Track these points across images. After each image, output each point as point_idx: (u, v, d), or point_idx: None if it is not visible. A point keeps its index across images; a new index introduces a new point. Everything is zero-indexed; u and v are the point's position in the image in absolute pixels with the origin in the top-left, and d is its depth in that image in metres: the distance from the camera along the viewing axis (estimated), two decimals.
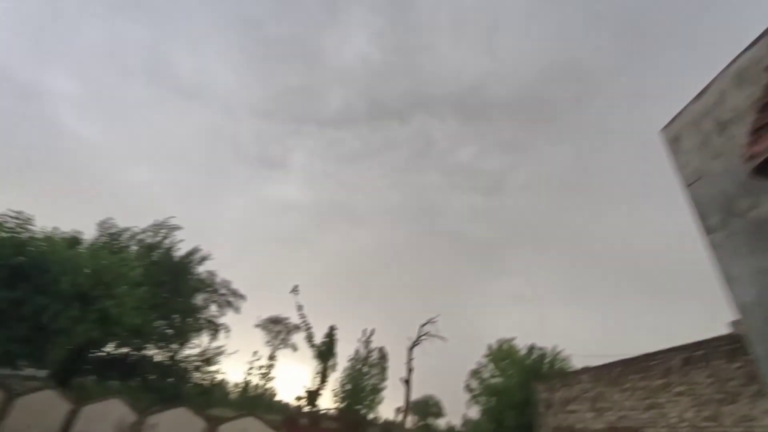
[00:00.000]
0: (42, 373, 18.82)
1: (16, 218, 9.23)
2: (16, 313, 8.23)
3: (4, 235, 8.82)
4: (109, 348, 19.61)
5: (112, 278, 9.64)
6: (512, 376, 21.83)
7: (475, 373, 29.06)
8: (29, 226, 9.34)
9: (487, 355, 29.20)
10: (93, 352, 18.99)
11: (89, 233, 19.35)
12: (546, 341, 30.27)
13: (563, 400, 14.98)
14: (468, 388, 29.53)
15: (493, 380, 25.42)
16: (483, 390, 25.98)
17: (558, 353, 22.04)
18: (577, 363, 19.76)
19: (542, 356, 21.91)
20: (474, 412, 36.11)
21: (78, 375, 19.44)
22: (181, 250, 21.87)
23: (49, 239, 9.41)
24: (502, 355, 26.36)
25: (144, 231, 21.06)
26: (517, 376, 21.21)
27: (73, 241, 14.04)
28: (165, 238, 21.44)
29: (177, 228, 21.99)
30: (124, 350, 19.84)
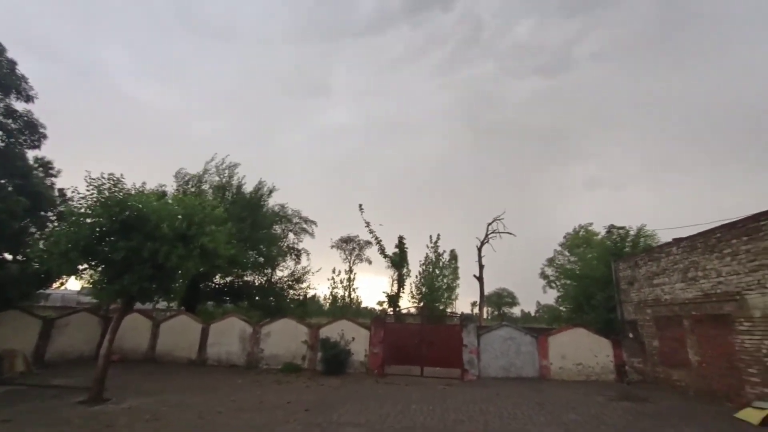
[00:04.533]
0: (173, 304, 22.86)
1: (110, 180, 10.17)
2: (137, 258, 9.53)
3: (106, 195, 9.85)
4: (218, 280, 22.80)
5: (200, 219, 10.60)
6: (591, 260, 21.58)
7: (551, 261, 29.29)
8: (122, 185, 10.29)
9: (563, 243, 28.97)
10: (207, 284, 22.29)
11: (170, 186, 21.34)
12: (628, 222, 28.83)
13: (649, 274, 14.55)
14: (543, 276, 30.12)
15: (571, 265, 25.41)
16: (560, 275, 26.24)
17: (642, 231, 20.85)
18: (664, 239, 18.57)
19: (623, 236, 20.90)
20: (549, 299, 37.37)
21: (200, 303, 23.26)
22: (248, 186, 23.16)
23: (141, 195, 10.37)
24: (579, 241, 25.86)
25: (206, 171, 22.36)
26: (596, 259, 20.87)
27: (161, 194, 15.53)
28: (231, 177, 22.65)
29: (235, 166, 23.05)
30: (230, 279, 22.97)
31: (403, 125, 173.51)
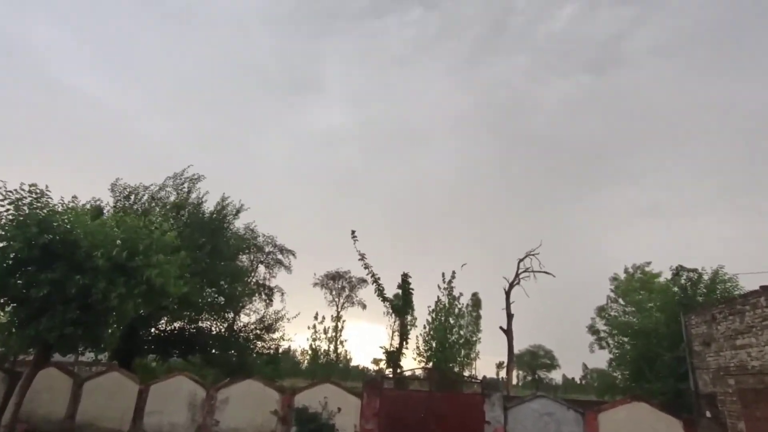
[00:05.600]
0: (102, 356, 22.57)
1: (32, 193, 10.28)
2: (60, 295, 9.53)
3: (24, 213, 9.94)
4: (164, 326, 22.61)
5: (146, 246, 10.67)
6: (653, 310, 21.42)
7: (602, 311, 29.05)
8: (46, 200, 10.40)
9: (614, 287, 28.81)
10: (148, 330, 22.08)
11: (106, 198, 21.49)
12: (696, 261, 28.85)
13: (730, 332, 14.47)
14: (591, 330, 29.77)
15: (627, 317, 25.20)
16: (613, 330, 25.97)
17: (719, 275, 20.82)
18: (748, 284, 18.43)
19: (695, 281, 20.83)
20: (599, 361, 36.84)
21: (138, 355, 22.96)
22: (209, 204, 23.47)
23: (71, 212, 10.47)
24: (637, 284, 25.73)
25: (162, 187, 22.69)
26: (659, 309, 20.76)
27: (96, 210, 15.69)
28: (189, 192, 23.00)
29: (199, 178, 23.41)
30: (179, 324, 22.78)
31: (411, 133, 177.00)
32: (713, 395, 15.36)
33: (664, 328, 19.33)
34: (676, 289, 21.13)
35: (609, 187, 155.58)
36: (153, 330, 22.43)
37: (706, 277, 21.01)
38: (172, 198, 22.73)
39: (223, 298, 22.71)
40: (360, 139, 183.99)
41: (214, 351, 22.86)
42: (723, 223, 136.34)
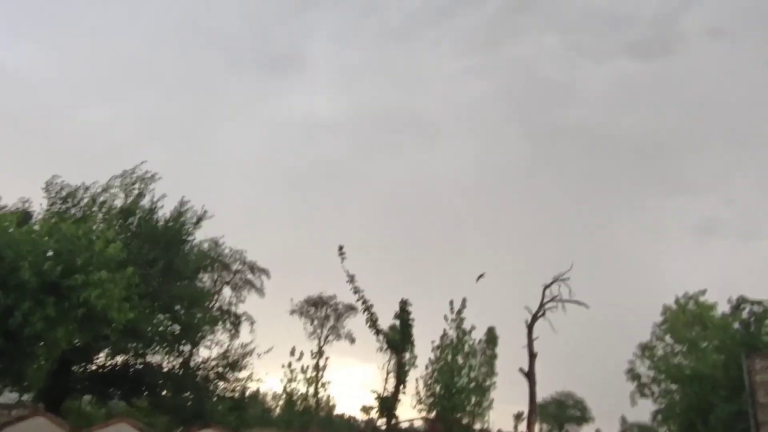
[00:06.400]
0: (26, 397, 22.23)
1: None
2: None
3: None
4: (102, 360, 22.31)
5: (84, 259, 10.55)
6: (708, 350, 21.44)
7: (646, 350, 28.93)
8: None
9: (663, 322, 28.71)
10: (84, 365, 21.77)
11: (39, 200, 21.28)
12: (763, 292, 28.80)
13: None
14: (631, 375, 29.60)
15: (676, 359, 25.12)
16: (659, 374, 25.86)
17: None
18: None
19: (760, 316, 20.84)
20: (642, 413, 36.65)
21: (70, 396, 22.59)
22: (165, 210, 23.32)
23: None
24: (689, 318, 25.68)
25: (107, 188, 22.54)
26: (716, 350, 20.73)
27: (24, 215, 15.53)
28: (140, 194, 22.84)
29: (153, 178, 23.26)
30: (122, 359, 22.49)
31: (414, 123, 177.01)
32: None
33: (721, 373, 19.28)
34: (736, 325, 21.12)
35: (658, 197, 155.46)
36: (90, 365, 22.17)
37: None
38: (118, 201, 22.59)
39: (178, 327, 22.52)
40: (351, 129, 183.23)
41: (165, 393, 22.60)
42: None
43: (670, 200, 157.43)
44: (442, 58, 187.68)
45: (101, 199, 22.32)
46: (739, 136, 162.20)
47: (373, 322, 22.67)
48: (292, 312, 54.20)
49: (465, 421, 25.29)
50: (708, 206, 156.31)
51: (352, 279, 22.52)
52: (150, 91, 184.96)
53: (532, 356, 32.25)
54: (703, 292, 27.33)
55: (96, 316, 10.59)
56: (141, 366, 22.74)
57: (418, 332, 23.52)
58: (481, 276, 24.45)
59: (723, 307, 23.81)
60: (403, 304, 22.90)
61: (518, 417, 61.15)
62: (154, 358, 23.04)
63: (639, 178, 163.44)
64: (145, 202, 22.97)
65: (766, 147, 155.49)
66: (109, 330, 11.31)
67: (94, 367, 22.30)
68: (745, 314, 21.11)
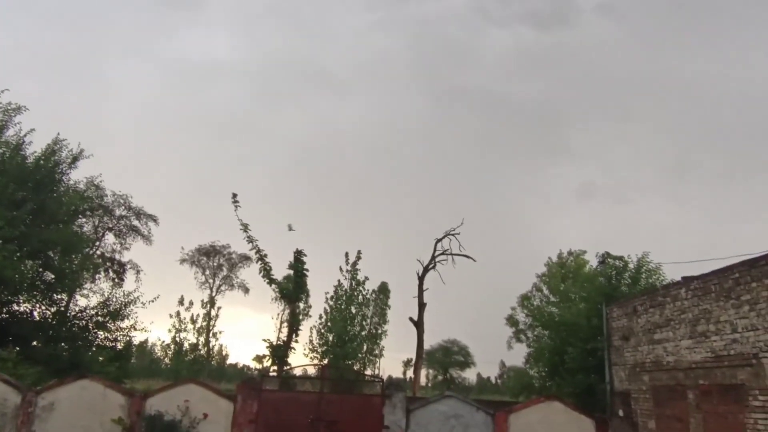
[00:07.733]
0: None
1: None
2: None
3: None
4: None
5: None
6: (577, 300, 23.34)
7: (525, 300, 31.31)
8: None
9: (543, 275, 31.08)
10: None
11: None
12: (630, 248, 31.93)
13: (649, 326, 16.31)
14: (510, 322, 32.01)
15: (549, 308, 27.37)
16: (535, 322, 28.12)
17: (643, 262, 23.30)
18: (674, 275, 20.82)
19: (620, 270, 23.22)
20: (517, 357, 39.92)
21: None
22: (35, 146, 21.81)
23: None
24: (566, 272, 27.99)
25: None
26: (583, 300, 22.72)
27: None
28: (3, 128, 21.15)
29: (19, 110, 21.57)
30: None
31: (319, 75, 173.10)
32: (627, 393, 17.33)
33: (584, 320, 21.31)
34: (601, 278, 23.30)
35: (548, 161, 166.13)
36: None
37: (631, 266, 23.47)
38: None
39: (51, 275, 21.54)
40: (251, 77, 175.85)
41: (36, 343, 21.36)
42: (661, 208, 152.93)
43: (555, 165, 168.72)
44: (351, 11, 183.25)
45: None
46: (616, 110, 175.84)
47: (266, 271, 22.56)
48: (183, 261, 52.61)
49: (356, 367, 26.06)
50: (586, 172, 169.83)
51: (245, 228, 22.18)
52: (30, 20, 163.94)
53: (422, 306, 33.94)
54: (584, 251, 30.14)
55: None
56: (7, 315, 21.39)
57: (313, 284, 23.76)
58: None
59: (595, 262, 26.25)
60: (298, 254, 22.93)
61: (407, 363, 64.55)
62: (23, 307, 21.86)
63: (529, 142, 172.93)
64: (10, 135, 21.18)
65: (639, 121, 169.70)
66: None
67: None
68: (609, 269, 23.40)
